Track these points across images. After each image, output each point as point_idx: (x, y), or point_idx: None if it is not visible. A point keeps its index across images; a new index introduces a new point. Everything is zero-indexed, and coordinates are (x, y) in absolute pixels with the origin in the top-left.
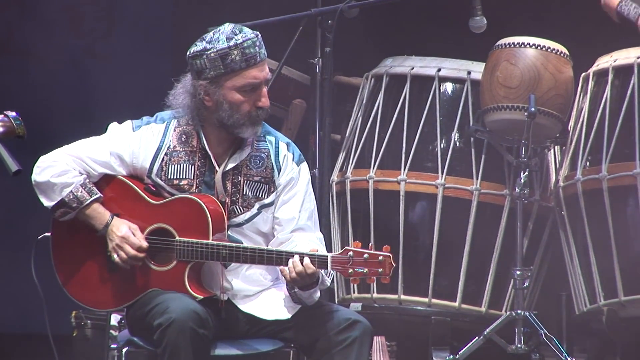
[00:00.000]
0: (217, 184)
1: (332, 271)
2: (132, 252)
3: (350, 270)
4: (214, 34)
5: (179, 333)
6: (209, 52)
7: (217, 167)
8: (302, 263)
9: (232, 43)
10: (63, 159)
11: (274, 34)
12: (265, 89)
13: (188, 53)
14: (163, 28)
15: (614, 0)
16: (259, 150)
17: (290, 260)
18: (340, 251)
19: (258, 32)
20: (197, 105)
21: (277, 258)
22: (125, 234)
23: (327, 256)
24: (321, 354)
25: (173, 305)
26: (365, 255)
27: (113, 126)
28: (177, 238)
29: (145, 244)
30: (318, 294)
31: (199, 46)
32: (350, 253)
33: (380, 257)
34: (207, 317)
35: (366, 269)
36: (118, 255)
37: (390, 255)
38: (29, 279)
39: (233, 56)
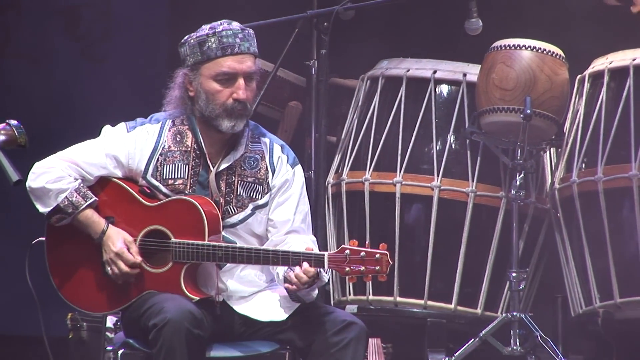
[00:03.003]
0: (211, 183)
1: (328, 269)
2: (125, 269)
3: (347, 269)
4: (204, 25)
5: (174, 333)
6: (190, 40)
7: (211, 167)
8: (301, 268)
9: (211, 31)
10: (58, 164)
11: (270, 35)
12: (242, 81)
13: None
14: (159, 30)
15: None
16: (253, 151)
17: (292, 275)
18: (336, 250)
19: (249, 29)
20: (183, 95)
21: (273, 258)
22: (120, 250)
23: (323, 255)
24: (317, 356)
25: (168, 305)
26: (362, 254)
27: (107, 129)
28: (173, 239)
29: (139, 260)
30: (316, 292)
31: (188, 35)
32: (347, 251)
33: (377, 255)
34: (202, 317)
35: (363, 267)
36: (111, 269)
37: (387, 253)
38: (24, 283)
39: (210, 43)
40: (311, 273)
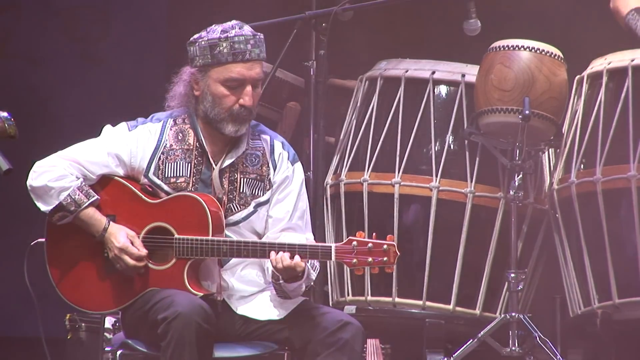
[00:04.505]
0: (215, 180)
1: (334, 262)
2: (132, 262)
3: (354, 260)
4: (216, 26)
5: (184, 326)
6: (201, 41)
7: (213, 165)
8: (291, 258)
9: (223, 35)
10: (60, 163)
11: (269, 36)
12: (249, 88)
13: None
14: (158, 31)
15: (622, 10)
16: (255, 148)
17: (280, 253)
18: (343, 241)
19: (260, 34)
20: (188, 93)
21: (279, 251)
22: (124, 245)
23: (330, 246)
24: (313, 356)
25: (178, 299)
26: (370, 245)
27: (108, 128)
28: (176, 236)
29: (144, 252)
30: (303, 288)
31: (198, 34)
32: (354, 243)
33: (385, 246)
34: (211, 312)
35: (370, 258)
36: (119, 265)
37: (395, 244)
38: (22, 284)
39: (221, 48)
40: (300, 267)
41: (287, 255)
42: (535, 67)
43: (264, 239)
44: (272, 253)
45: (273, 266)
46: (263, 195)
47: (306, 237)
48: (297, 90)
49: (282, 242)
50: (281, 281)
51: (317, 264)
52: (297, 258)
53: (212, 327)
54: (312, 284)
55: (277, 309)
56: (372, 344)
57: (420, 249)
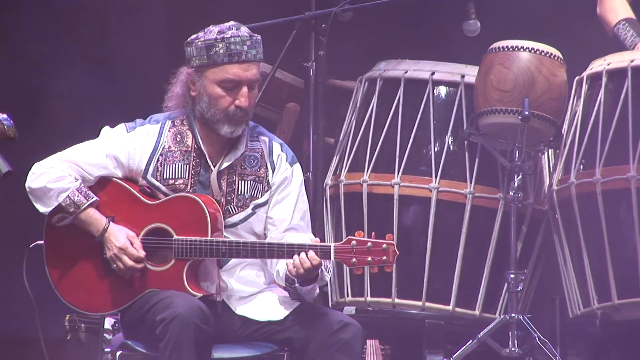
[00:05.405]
0: (213, 182)
1: (334, 261)
2: (130, 263)
3: (354, 260)
4: (213, 27)
5: (182, 327)
6: (197, 41)
7: (212, 166)
8: (307, 256)
9: (220, 36)
10: (58, 165)
11: (268, 37)
12: (245, 89)
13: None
14: (157, 32)
15: (611, 18)
16: (253, 150)
17: (296, 257)
18: (343, 241)
19: (258, 35)
20: (185, 93)
21: (278, 251)
22: (124, 245)
23: (329, 246)
24: (313, 357)
25: (177, 300)
26: (369, 244)
27: (106, 129)
28: (175, 237)
29: (143, 254)
30: (317, 291)
31: (195, 35)
32: (354, 242)
33: (384, 246)
34: (209, 313)
35: (369, 258)
36: (116, 265)
37: (394, 244)
38: (22, 286)
39: (217, 49)
40: (316, 262)
41: (304, 255)
42: (535, 68)
43: (267, 240)
44: (296, 257)
45: (295, 271)
46: (261, 197)
47: (309, 237)
48: (296, 91)
49: (281, 243)
50: (296, 285)
51: (330, 265)
52: (311, 253)
53: (210, 328)
54: (325, 285)
55: (277, 309)
56: (371, 345)
57: (419, 250)
